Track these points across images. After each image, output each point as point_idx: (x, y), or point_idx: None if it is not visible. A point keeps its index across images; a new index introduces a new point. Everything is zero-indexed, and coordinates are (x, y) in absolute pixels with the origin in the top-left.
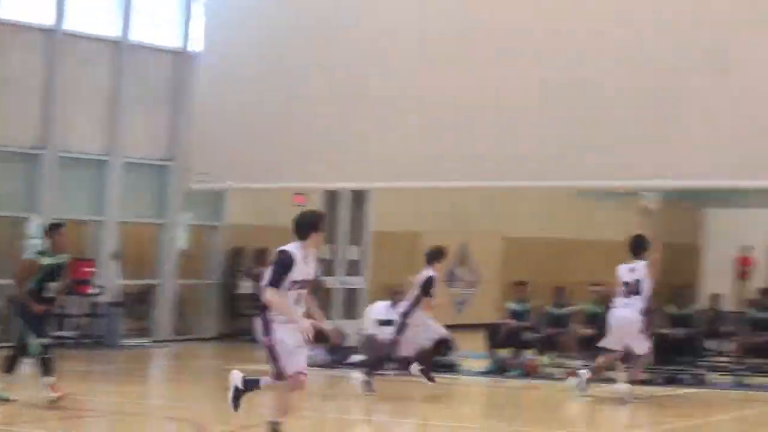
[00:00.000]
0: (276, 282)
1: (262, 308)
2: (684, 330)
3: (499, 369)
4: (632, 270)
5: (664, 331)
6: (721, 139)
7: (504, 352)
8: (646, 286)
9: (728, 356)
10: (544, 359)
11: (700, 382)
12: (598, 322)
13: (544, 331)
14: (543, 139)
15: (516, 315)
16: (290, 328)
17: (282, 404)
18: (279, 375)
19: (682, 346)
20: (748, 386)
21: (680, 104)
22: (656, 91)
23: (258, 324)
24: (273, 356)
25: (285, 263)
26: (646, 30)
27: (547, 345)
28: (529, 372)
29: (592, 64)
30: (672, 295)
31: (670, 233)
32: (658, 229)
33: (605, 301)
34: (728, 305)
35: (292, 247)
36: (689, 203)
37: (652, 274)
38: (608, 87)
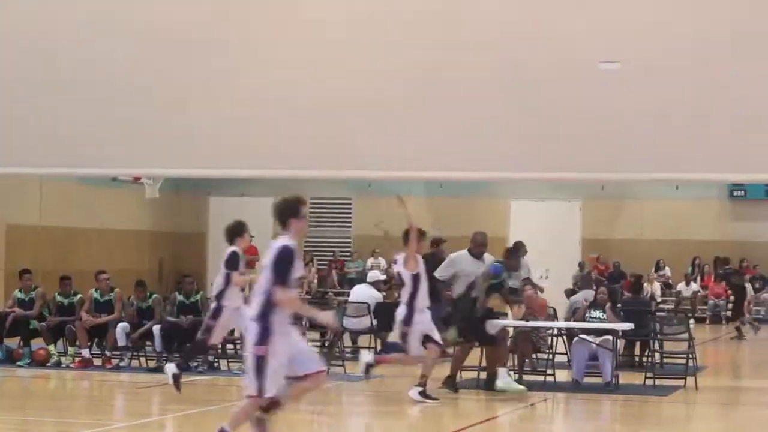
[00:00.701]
0: (285, 280)
1: (263, 313)
2: (192, 317)
3: (9, 359)
4: (395, 263)
5: (171, 318)
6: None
7: (12, 342)
8: (406, 278)
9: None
10: (52, 348)
11: (212, 368)
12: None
13: (51, 320)
14: None
15: (22, 304)
16: (286, 341)
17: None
18: (255, 393)
19: (190, 333)
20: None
21: None
22: None
23: (253, 330)
24: (259, 369)
25: (288, 259)
26: None
27: (56, 334)
28: (39, 361)
29: None
30: (178, 283)
31: (175, 222)
32: (163, 218)
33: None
34: None
35: (288, 241)
36: (193, 191)
37: (410, 266)
38: None
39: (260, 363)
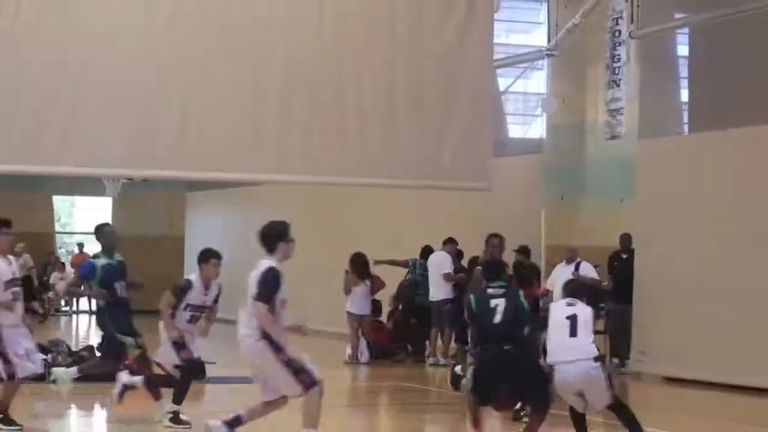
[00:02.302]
0: (268, 299)
1: (264, 332)
2: None
3: None
4: None
5: None
6: None
7: None
8: None
9: None
10: None
11: None
12: None
13: None
14: None
15: None
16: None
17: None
18: (309, 384)
19: None
20: None
21: None
22: None
23: (260, 345)
24: (295, 368)
25: (276, 282)
26: None
27: None
28: None
29: None
30: None
31: None
32: None
33: None
34: None
35: (274, 263)
36: None
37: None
38: None
39: (291, 364)
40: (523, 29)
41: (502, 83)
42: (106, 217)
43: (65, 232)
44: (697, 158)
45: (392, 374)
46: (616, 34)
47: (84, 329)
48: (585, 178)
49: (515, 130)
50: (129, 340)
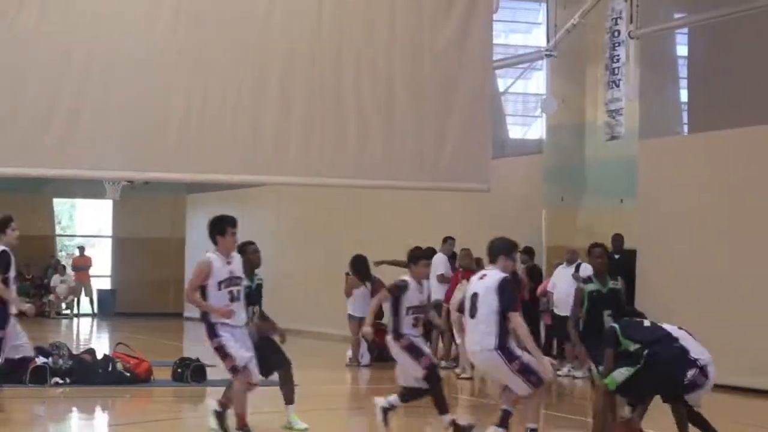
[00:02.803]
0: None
1: None
2: None
3: None
4: None
5: None
6: None
7: None
8: None
9: None
10: None
11: None
12: None
13: None
14: None
15: None
16: None
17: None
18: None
19: None
20: None
21: None
22: None
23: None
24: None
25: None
26: None
27: None
28: None
29: None
30: None
31: None
32: None
33: None
34: None
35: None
36: None
37: None
38: None
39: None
40: (522, 30)
41: (502, 84)
42: (107, 219)
43: (66, 235)
44: (696, 158)
45: (394, 376)
46: (616, 34)
47: (85, 332)
48: (585, 178)
49: (515, 131)
50: None
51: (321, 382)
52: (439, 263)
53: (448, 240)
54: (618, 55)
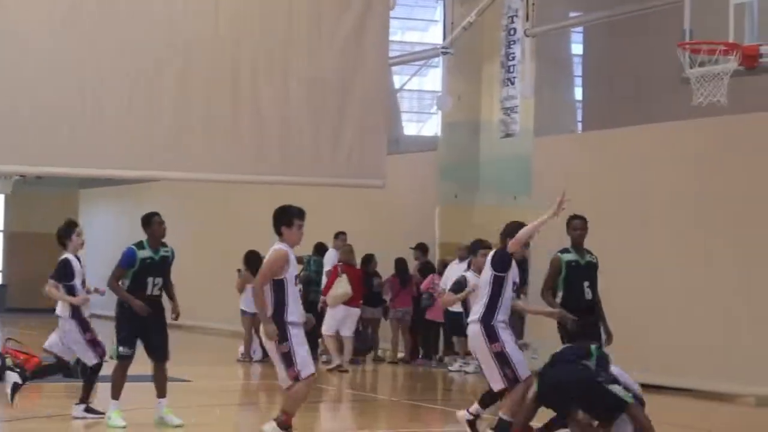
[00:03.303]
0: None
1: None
2: None
3: None
4: None
5: None
6: None
7: None
8: None
9: None
10: None
11: None
12: None
13: None
14: None
15: None
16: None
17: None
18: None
19: None
20: None
21: None
22: None
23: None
24: (503, 362)
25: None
26: None
27: None
28: None
29: None
30: None
31: None
32: None
33: None
34: None
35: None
36: None
37: None
38: None
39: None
40: (418, 27)
41: (398, 81)
42: None
43: None
44: (590, 156)
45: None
46: (512, 32)
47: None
48: (479, 175)
49: (410, 128)
50: None
51: (212, 378)
52: (330, 258)
53: (340, 235)
54: (514, 53)
